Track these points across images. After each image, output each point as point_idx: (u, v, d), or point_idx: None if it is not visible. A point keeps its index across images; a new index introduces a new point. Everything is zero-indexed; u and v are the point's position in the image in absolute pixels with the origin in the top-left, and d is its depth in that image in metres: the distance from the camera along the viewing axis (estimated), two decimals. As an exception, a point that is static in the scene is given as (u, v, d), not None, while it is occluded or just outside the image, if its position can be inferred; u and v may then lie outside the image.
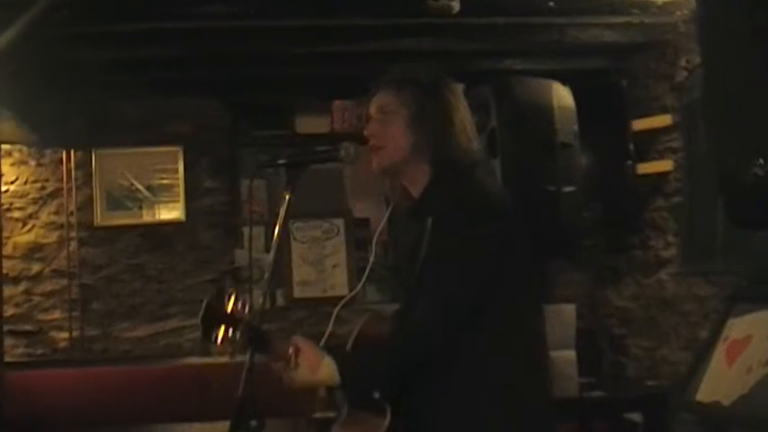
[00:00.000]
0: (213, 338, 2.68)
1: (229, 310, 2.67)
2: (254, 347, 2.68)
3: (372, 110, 2.86)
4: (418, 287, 2.72)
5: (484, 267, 2.63)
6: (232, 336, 2.67)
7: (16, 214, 6.40)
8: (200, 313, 2.67)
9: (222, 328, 2.67)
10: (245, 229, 6.64)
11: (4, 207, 6.05)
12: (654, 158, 5.68)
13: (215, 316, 2.67)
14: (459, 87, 2.93)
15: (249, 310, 2.70)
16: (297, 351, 2.65)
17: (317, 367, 2.62)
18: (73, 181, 6.44)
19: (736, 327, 3.85)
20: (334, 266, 6.66)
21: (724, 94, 2.11)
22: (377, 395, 2.69)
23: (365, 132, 2.86)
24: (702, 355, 3.98)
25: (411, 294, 2.77)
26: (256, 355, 2.67)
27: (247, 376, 2.66)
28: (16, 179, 6.42)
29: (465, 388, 2.65)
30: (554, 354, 5.27)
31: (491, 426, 2.65)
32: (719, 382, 3.76)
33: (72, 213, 6.44)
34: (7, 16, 4.44)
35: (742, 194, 2.15)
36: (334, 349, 2.76)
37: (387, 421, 2.66)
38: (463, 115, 2.82)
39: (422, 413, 2.70)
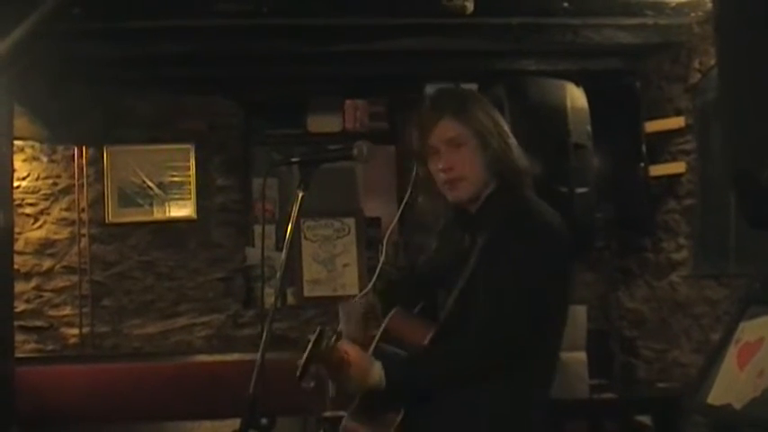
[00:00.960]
0: (307, 378, 2.67)
1: (323, 347, 2.66)
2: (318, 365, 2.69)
3: (438, 142, 2.84)
4: (467, 300, 2.73)
5: (539, 285, 2.67)
6: (315, 370, 2.67)
7: (28, 210, 6.42)
8: (305, 356, 2.64)
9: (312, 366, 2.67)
10: (257, 228, 6.64)
11: (16, 203, 6.04)
12: (667, 160, 5.67)
13: (312, 357, 2.66)
14: None
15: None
16: (347, 360, 2.67)
17: (367, 375, 2.67)
18: (84, 177, 6.45)
19: (749, 329, 3.83)
20: (345, 266, 6.65)
21: (740, 91, 2.10)
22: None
23: (440, 166, 2.84)
24: (714, 357, 3.96)
25: (458, 304, 2.77)
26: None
27: (258, 374, 2.66)
28: (28, 175, 6.43)
29: (488, 393, 2.67)
30: (565, 355, 5.23)
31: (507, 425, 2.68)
32: (731, 386, 3.75)
33: (83, 210, 6.44)
34: (19, 13, 4.45)
35: (757, 194, 2.14)
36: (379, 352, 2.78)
37: (399, 417, 2.67)
38: (507, 129, 2.89)
39: (438, 413, 2.71)
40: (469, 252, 2.78)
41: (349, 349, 2.70)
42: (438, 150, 2.84)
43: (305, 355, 2.63)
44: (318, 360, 2.66)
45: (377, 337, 2.87)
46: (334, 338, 2.72)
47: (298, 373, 2.63)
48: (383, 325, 2.89)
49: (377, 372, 2.65)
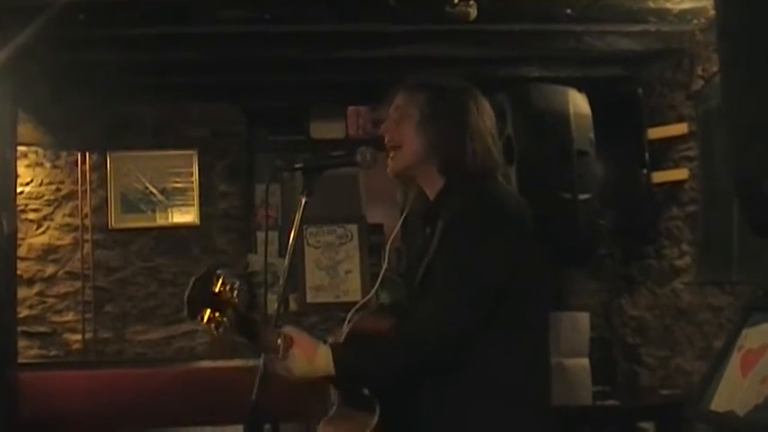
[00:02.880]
0: (199, 318, 2.64)
1: (216, 290, 2.64)
2: (242, 334, 2.68)
3: (390, 111, 2.89)
4: (425, 288, 2.72)
5: (494, 271, 2.62)
6: (218, 317, 2.64)
7: (31, 216, 6.43)
8: (187, 292, 2.63)
9: (208, 309, 2.64)
10: (260, 234, 6.64)
11: (20, 208, 6.05)
12: (669, 167, 5.67)
13: (202, 296, 2.63)
14: (483, 97, 2.91)
15: (237, 295, 2.68)
16: (289, 341, 2.64)
17: (312, 355, 2.62)
18: (88, 183, 6.46)
19: (751, 336, 3.84)
20: (348, 272, 6.66)
21: (743, 98, 2.10)
22: (366, 391, 2.69)
23: (381, 130, 2.89)
24: (717, 364, 3.97)
25: (417, 294, 2.77)
26: (241, 338, 2.67)
27: (261, 380, 2.66)
28: (32, 181, 6.44)
29: (469, 393, 2.64)
30: (568, 361, 5.26)
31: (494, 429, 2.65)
32: (734, 392, 3.75)
33: (86, 216, 6.46)
34: (22, 19, 4.46)
35: (760, 201, 2.14)
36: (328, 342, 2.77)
37: (375, 419, 2.66)
38: (482, 124, 2.82)
39: (423, 417, 2.69)
40: (429, 242, 2.78)
41: (291, 332, 2.67)
42: (387, 118, 2.91)
43: (187, 291, 2.61)
44: (218, 303, 2.64)
45: (342, 338, 2.85)
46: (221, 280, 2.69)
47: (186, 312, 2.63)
48: (347, 328, 2.88)
49: (323, 353, 2.61)
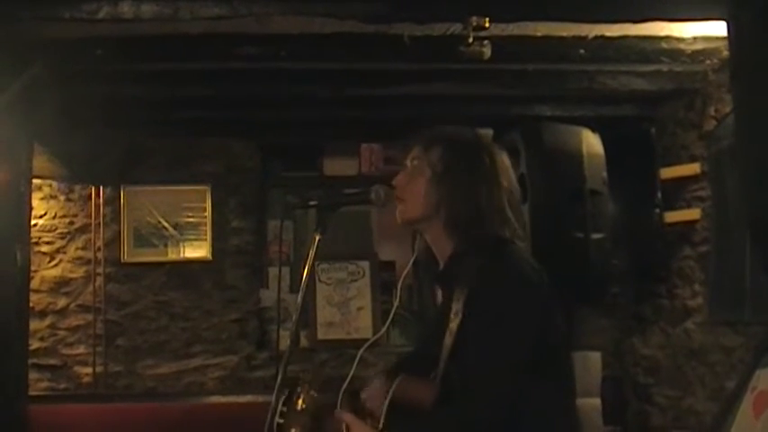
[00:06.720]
0: None
1: (299, 408, 2.70)
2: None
3: (407, 160, 2.87)
4: (457, 365, 2.69)
5: (522, 348, 2.60)
6: None
7: (44, 248, 6.44)
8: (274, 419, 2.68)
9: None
10: (272, 270, 6.65)
11: (33, 241, 6.06)
12: (682, 207, 5.67)
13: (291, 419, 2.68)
14: (502, 153, 2.87)
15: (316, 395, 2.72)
16: (347, 429, 2.66)
17: None
18: (101, 217, 6.48)
19: (764, 377, 3.81)
20: (359, 309, 6.65)
21: (757, 138, 2.11)
22: None
23: (393, 182, 2.86)
24: (729, 405, 3.94)
25: (447, 368, 2.74)
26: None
27: (272, 416, 2.66)
28: (45, 213, 6.46)
29: None
30: (579, 401, 5.22)
31: None
32: (747, 434, 3.72)
33: (99, 249, 6.46)
34: (39, 53, 4.51)
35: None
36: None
37: None
38: (495, 181, 2.77)
39: None
40: (447, 308, 2.74)
41: (348, 418, 2.68)
42: (404, 167, 2.88)
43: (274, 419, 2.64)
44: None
45: (384, 410, 2.84)
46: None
47: None
48: (389, 395, 2.87)
49: None
